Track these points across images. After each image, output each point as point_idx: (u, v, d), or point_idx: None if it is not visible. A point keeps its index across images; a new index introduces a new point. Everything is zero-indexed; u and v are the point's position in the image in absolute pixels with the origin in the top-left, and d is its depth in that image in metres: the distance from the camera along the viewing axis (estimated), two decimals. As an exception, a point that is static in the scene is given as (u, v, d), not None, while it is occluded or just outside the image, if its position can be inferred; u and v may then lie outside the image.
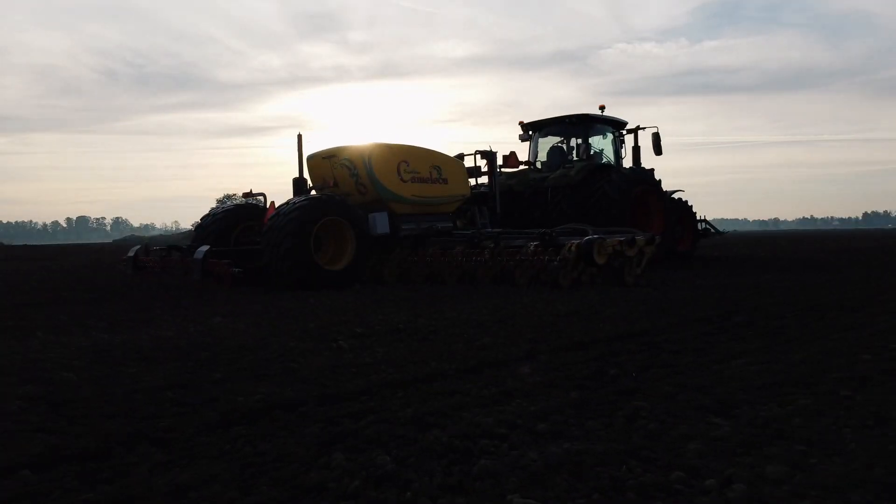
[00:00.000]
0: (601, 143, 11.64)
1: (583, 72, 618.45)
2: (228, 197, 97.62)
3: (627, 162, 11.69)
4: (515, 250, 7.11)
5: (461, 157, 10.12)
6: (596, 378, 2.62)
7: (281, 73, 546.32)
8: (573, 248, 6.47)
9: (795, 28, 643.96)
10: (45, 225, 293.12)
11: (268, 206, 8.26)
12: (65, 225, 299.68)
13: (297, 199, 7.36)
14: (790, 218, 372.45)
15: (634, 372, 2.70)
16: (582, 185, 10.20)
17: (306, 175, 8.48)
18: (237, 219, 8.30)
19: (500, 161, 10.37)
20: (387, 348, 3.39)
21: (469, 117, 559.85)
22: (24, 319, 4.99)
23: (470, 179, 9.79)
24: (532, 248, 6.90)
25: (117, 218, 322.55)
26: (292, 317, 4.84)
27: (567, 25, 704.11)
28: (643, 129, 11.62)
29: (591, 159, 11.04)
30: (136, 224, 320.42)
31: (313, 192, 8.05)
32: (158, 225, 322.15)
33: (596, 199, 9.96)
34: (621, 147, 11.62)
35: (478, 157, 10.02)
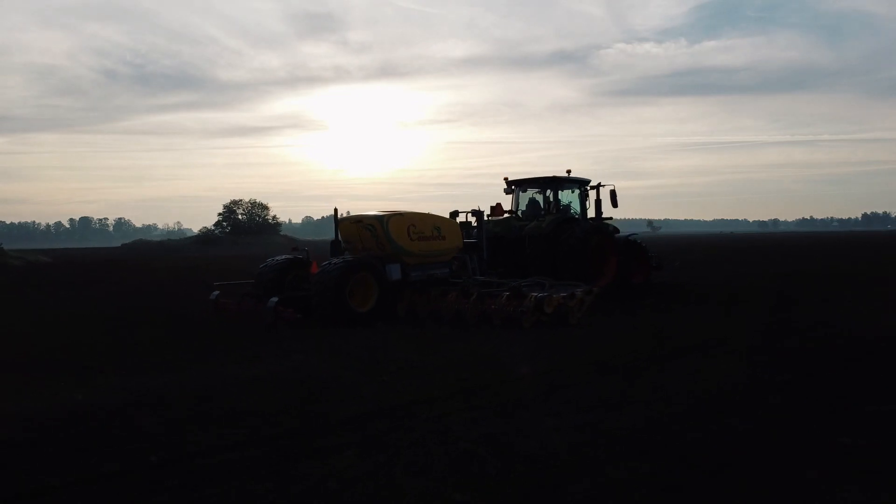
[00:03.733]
0: (570, 197, 14.49)
1: (582, 72, 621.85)
2: (235, 202, 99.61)
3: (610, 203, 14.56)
4: (493, 298, 9.92)
5: (455, 213, 12.97)
6: (510, 404, 5.42)
7: (280, 72, 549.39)
8: (532, 300, 9.29)
9: (795, 28, 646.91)
10: (48, 226, 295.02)
11: (311, 261, 11.07)
12: (67, 226, 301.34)
13: (336, 260, 10.18)
14: (790, 219, 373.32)
15: (526, 400, 5.51)
16: (551, 235, 13.02)
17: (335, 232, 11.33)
18: (288, 269, 11.12)
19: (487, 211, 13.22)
20: (410, 380, 6.19)
21: (468, 117, 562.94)
22: (161, 356, 7.77)
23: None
24: (504, 297, 9.72)
25: (120, 219, 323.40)
26: (346, 354, 7.64)
27: (566, 25, 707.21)
28: (603, 185, 14.45)
29: (561, 212, 13.88)
30: (138, 225, 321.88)
31: (347, 254, 10.82)
32: (161, 226, 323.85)
33: (562, 247, 12.78)
34: (586, 199, 14.46)
35: (469, 215, 12.86)
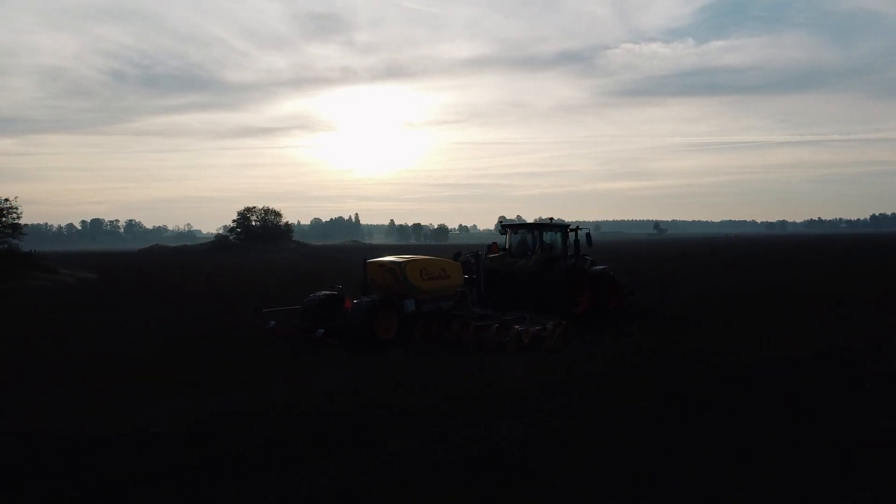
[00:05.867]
0: (553, 237, 17.55)
1: (588, 72, 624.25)
2: (249, 209, 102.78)
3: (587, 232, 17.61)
4: (486, 328, 12.96)
5: (458, 255, 16.05)
6: (492, 409, 8.47)
7: (287, 73, 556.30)
8: (514, 331, 12.34)
9: (802, 28, 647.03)
10: (60, 228, 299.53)
11: (346, 297, 14.14)
12: (79, 227, 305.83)
13: (366, 299, 13.26)
14: (798, 219, 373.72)
15: (503, 407, 8.56)
16: (537, 273, 16.07)
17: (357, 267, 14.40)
18: (327, 303, 14.20)
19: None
20: (422, 392, 9.24)
21: (475, 117, 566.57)
22: (251, 374, 10.87)
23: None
24: (495, 328, 12.77)
25: (130, 220, 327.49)
26: (375, 372, 10.69)
27: (572, 25, 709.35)
28: (580, 229, 17.49)
29: (545, 251, 16.94)
30: (148, 226, 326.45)
31: (374, 294, 13.88)
32: (171, 227, 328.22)
33: (545, 283, 15.82)
34: (566, 240, 17.51)
35: (470, 256, 15.93)
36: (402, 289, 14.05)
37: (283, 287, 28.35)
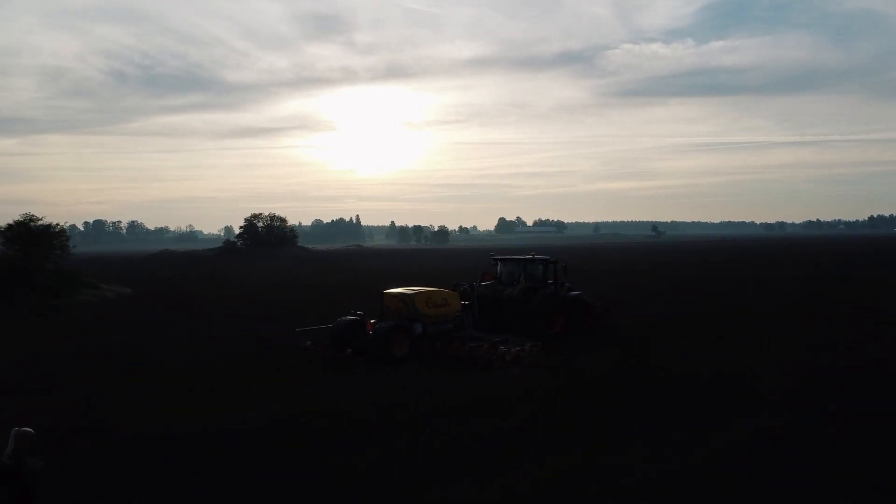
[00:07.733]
0: (536, 268, 21.05)
1: (589, 72, 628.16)
2: (255, 216, 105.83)
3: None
4: (479, 347, 16.44)
5: (457, 285, 19.56)
6: (481, 411, 11.95)
7: (287, 74, 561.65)
8: (499, 351, 15.83)
9: (803, 28, 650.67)
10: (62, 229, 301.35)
11: (367, 321, 17.62)
12: (82, 228, 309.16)
13: (383, 324, 16.74)
14: (797, 220, 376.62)
15: (486, 411, 12.07)
16: (521, 299, 19.55)
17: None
18: (352, 326, 17.66)
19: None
20: (428, 398, 12.70)
21: (476, 118, 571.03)
22: (296, 383, 14.36)
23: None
24: (484, 348, 16.26)
25: (133, 221, 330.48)
26: (392, 383, 14.12)
27: (573, 26, 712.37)
28: (559, 261, 20.96)
29: (529, 280, 20.43)
30: (150, 227, 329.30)
31: (389, 320, 17.37)
32: (173, 228, 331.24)
33: (529, 308, 19.29)
34: (547, 270, 20.99)
35: (466, 285, 19.43)
36: (411, 314, 17.52)
37: (302, 294, 31.66)
